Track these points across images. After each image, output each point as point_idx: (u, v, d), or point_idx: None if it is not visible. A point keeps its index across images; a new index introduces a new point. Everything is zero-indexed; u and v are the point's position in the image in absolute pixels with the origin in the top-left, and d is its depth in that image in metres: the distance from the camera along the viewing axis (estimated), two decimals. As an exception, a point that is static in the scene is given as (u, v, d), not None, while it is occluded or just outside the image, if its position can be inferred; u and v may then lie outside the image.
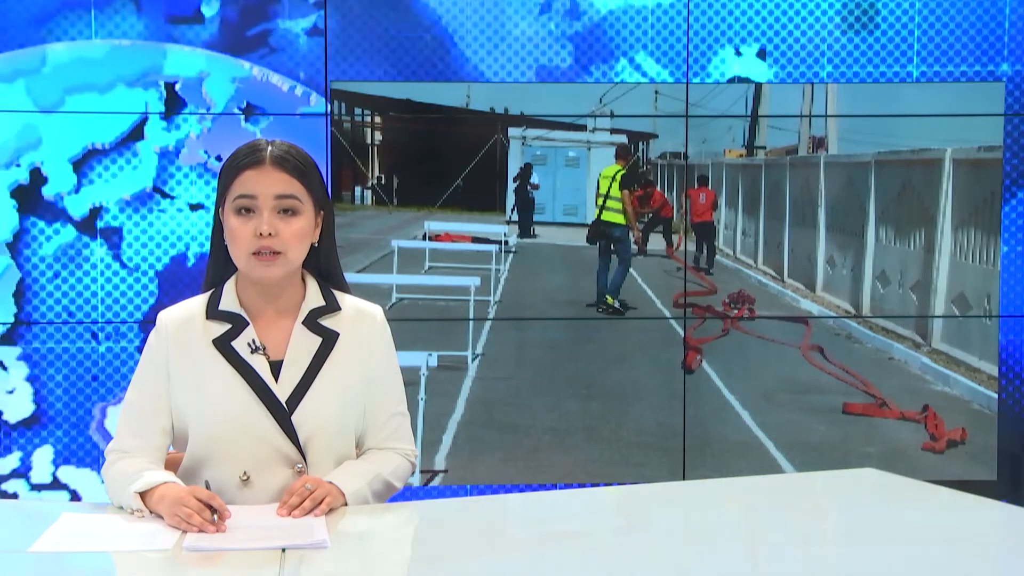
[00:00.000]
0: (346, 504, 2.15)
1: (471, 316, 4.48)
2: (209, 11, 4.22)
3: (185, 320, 2.23)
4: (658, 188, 4.56)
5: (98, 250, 4.24)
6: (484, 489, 4.40)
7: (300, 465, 2.18)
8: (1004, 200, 4.46)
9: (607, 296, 4.54)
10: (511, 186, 4.55)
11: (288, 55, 4.27)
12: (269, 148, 2.19)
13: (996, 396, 4.49)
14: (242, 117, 4.24)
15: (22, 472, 4.26)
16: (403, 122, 4.48)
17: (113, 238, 4.24)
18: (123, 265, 4.25)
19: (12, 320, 4.23)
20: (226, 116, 4.24)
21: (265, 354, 2.20)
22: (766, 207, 4.59)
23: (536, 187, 4.58)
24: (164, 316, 2.25)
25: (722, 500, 2.37)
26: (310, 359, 2.21)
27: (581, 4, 4.33)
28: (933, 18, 4.41)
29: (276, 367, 2.20)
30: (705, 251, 4.57)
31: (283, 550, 1.89)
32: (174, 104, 4.22)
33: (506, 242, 4.56)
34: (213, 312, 2.22)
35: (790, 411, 4.51)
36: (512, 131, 4.48)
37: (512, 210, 4.57)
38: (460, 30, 4.31)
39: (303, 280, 2.27)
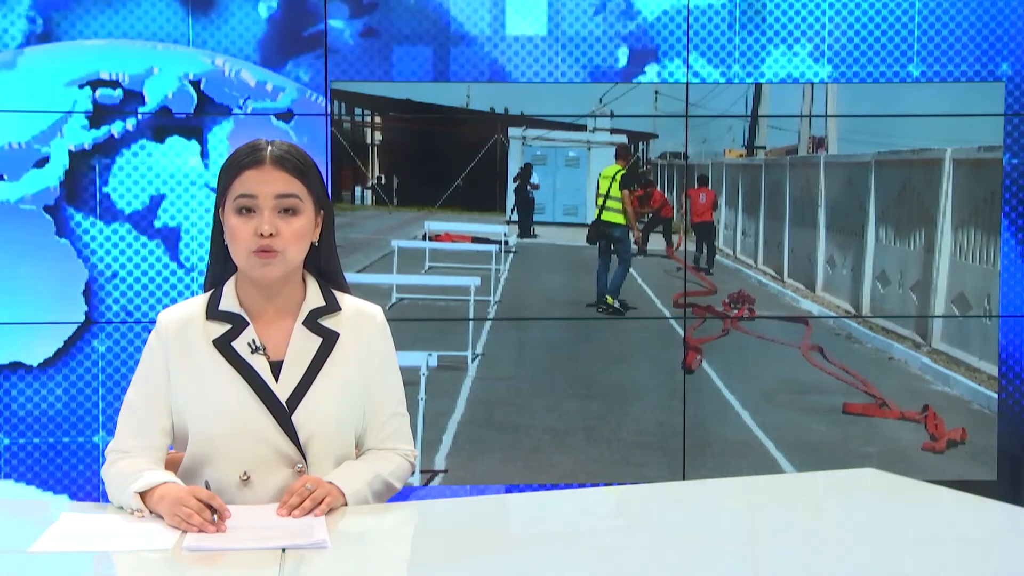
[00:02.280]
0: (346, 504, 2.15)
1: (471, 316, 4.48)
2: (265, 11, 4.23)
3: (185, 320, 2.23)
4: (658, 188, 4.56)
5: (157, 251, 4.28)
6: (484, 489, 4.40)
7: (300, 465, 2.18)
8: (1004, 200, 4.46)
9: (607, 296, 4.53)
10: (511, 186, 4.55)
11: (341, 56, 4.27)
12: (269, 148, 2.19)
13: (996, 396, 4.49)
14: (272, 116, 4.25)
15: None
16: (403, 122, 4.48)
17: (171, 238, 4.26)
18: (180, 265, 4.26)
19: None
20: (258, 116, 4.24)
21: (265, 354, 2.20)
22: (766, 207, 4.59)
23: (536, 187, 4.58)
24: (164, 316, 2.25)
25: (722, 500, 2.37)
26: (310, 359, 2.21)
27: (635, 4, 4.33)
28: (933, 18, 4.41)
29: (276, 367, 2.20)
30: (705, 251, 4.57)
31: (283, 550, 1.89)
32: (102, 103, 4.20)
33: (506, 242, 4.56)
34: (213, 312, 2.22)
35: (790, 411, 4.51)
36: (512, 131, 4.48)
37: (512, 210, 4.56)
38: (515, 30, 4.33)
39: (303, 280, 2.27)
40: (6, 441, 4.26)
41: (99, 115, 4.19)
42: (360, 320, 2.28)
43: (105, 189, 4.24)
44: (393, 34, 4.29)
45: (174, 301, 4.22)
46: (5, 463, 4.28)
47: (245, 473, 2.17)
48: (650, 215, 4.58)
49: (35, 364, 4.25)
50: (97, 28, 4.20)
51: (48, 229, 4.22)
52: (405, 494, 2.34)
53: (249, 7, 4.25)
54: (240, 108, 4.22)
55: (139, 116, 4.20)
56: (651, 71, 4.37)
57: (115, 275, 4.25)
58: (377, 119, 4.49)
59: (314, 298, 2.26)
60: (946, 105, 4.42)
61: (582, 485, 4.29)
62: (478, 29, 4.33)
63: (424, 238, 4.53)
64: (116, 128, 4.19)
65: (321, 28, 4.25)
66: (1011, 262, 4.47)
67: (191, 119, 4.23)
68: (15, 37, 4.18)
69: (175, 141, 4.23)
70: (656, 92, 4.41)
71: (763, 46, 4.39)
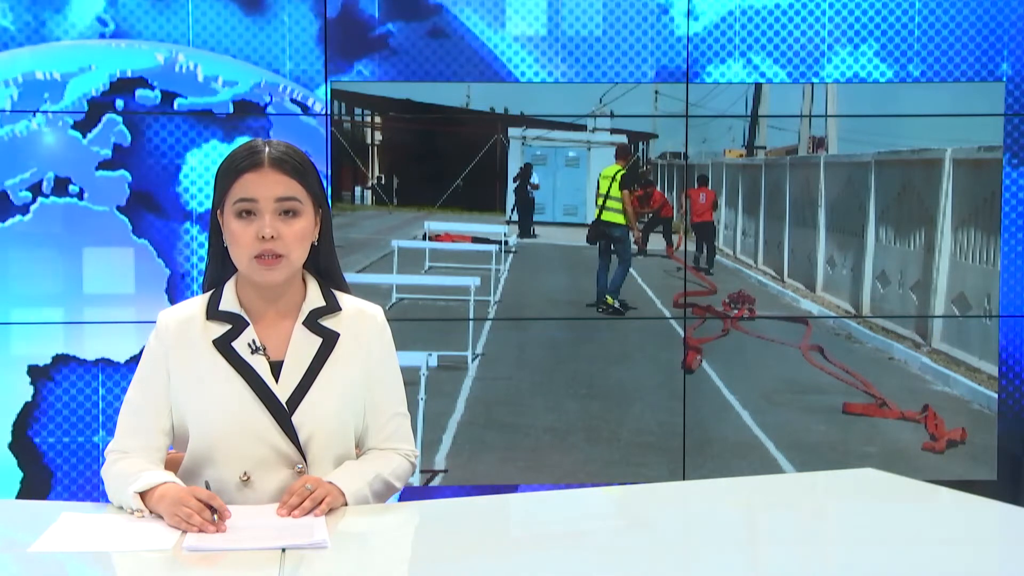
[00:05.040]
0: (346, 504, 2.15)
1: (471, 316, 4.48)
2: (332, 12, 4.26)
3: (185, 320, 2.23)
4: (658, 188, 4.56)
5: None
6: (484, 489, 4.40)
7: (300, 465, 2.18)
8: (1004, 200, 4.46)
9: (607, 296, 4.53)
10: (511, 186, 4.55)
11: (404, 56, 4.30)
12: (267, 149, 2.18)
13: (996, 396, 4.49)
14: (300, 114, 4.26)
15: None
16: (403, 122, 4.48)
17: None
18: None
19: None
20: (288, 116, 4.25)
21: (265, 354, 2.20)
22: (766, 207, 4.59)
23: (536, 187, 4.58)
24: (164, 316, 2.25)
25: (722, 500, 2.37)
26: (310, 359, 2.21)
27: (698, 5, 4.35)
28: (933, 18, 4.41)
29: (276, 367, 2.20)
30: (705, 251, 4.57)
31: (283, 550, 1.89)
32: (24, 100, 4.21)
33: (506, 242, 4.56)
34: (213, 312, 2.22)
35: (790, 411, 4.51)
36: (512, 131, 4.48)
37: (512, 210, 4.56)
38: (569, 31, 4.34)
39: (303, 280, 2.27)
40: (95, 439, 4.32)
41: (15, 112, 4.21)
42: (360, 320, 2.28)
43: (177, 189, 4.28)
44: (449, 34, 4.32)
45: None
46: (92, 460, 4.34)
47: (245, 473, 2.17)
48: (650, 215, 4.58)
49: (122, 361, 4.31)
50: (160, 29, 4.24)
51: (124, 229, 4.27)
52: (405, 494, 2.33)
53: (303, 8, 4.27)
54: (172, 107, 4.24)
55: (49, 115, 4.20)
56: (715, 72, 4.37)
57: (201, 273, 4.30)
58: (377, 119, 4.49)
59: (314, 298, 2.26)
60: (946, 105, 4.42)
61: (582, 485, 4.29)
62: (588, 30, 4.34)
63: (424, 238, 4.53)
64: (20, 128, 4.19)
65: (385, 30, 4.26)
66: (1011, 262, 4.47)
67: (231, 118, 4.25)
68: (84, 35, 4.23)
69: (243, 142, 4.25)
70: (656, 92, 4.41)
71: (829, 46, 4.39)
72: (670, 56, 4.37)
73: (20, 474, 4.29)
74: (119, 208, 4.27)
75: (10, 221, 4.23)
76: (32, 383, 4.29)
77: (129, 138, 4.24)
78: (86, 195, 4.25)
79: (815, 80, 4.39)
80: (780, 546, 2.04)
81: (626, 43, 4.37)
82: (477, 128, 4.46)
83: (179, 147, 4.26)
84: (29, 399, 4.29)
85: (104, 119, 4.21)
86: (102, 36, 4.22)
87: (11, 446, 4.29)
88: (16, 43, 4.19)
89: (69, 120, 4.20)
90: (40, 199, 4.23)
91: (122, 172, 4.25)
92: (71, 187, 4.23)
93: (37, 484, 4.30)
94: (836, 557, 1.99)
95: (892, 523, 2.14)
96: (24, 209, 4.23)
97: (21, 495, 4.25)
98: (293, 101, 4.27)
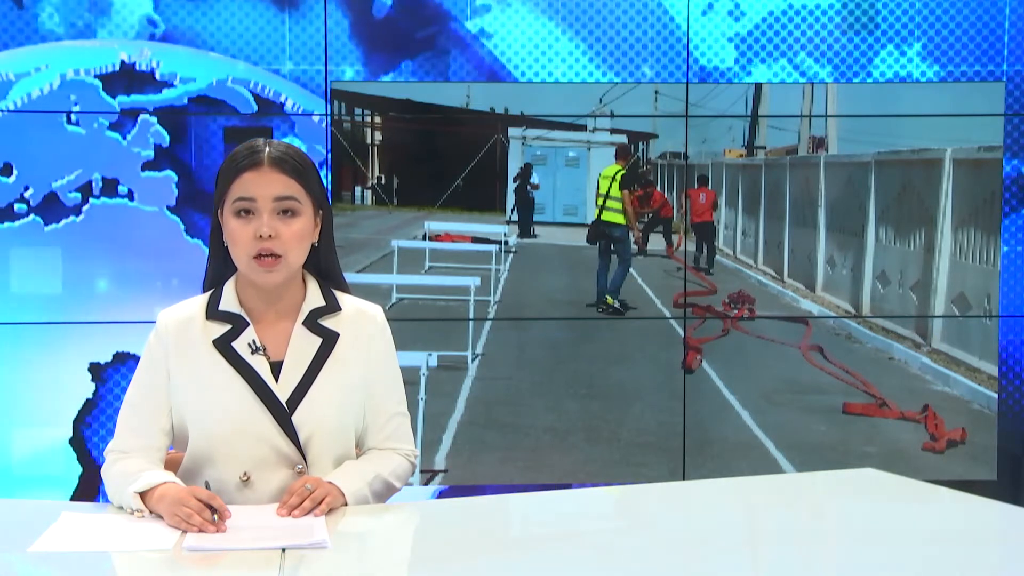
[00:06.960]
0: (346, 504, 2.15)
1: (471, 316, 4.48)
2: (379, 13, 4.27)
3: (185, 320, 2.23)
4: (658, 188, 4.56)
5: None
6: (484, 489, 4.40)
7: (300, 466, 2.18)
8: (1004, 200, 4.46)
9: (607, 296, 4.53)
10: (511, 186, 4.55)
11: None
12: (267, 149, 2.18)
13: (996, 396, 4.49)
14: (313, 115, 4.26)
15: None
16: (403, 122, 4.48)
17: None
18: None
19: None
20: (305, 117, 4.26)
21: (265, 354, 2.20)
22: (766, 207, 4.59)
23: (536, 187, 4.58)
24: (164, 316, 2.25)
25: (722, 500, 2.37)
26: (310, 360, 2.21)
27: (742, 5, 4.35)
28: (933, 18, 4.41)
29: (276, 368, 2.20)
30: (705, 251, 4.57)
31: (283, 550, 1.89)
32: None
33: (506, 242, 4.56)
34: (213, 312, 2.22)
35: (790, 411, 4.51)
36: (512, 131, 4.48)
37: (512, 210, 4.56)
38: (608, 31, 4.34)
39: (303, 280, 2.27)
40: None
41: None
42: (360, 320, 2.28)
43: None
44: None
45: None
46: None
47: (245, 473, 2.17)
48: (650, 215, 4.58)
49: None
50: (203, 30, 4.25)
51: (176, 230, 4.29)
52: (405, 494, 2.34)
53: (342, 8, 4.28)
54: (116, 108, 4.24)
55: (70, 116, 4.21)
56: (757, 72, 4.37)
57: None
58: (377, 119, 4.49)
59: (314, 298, 2.26)
60: (946, 105, 4.42)
61: (582, 485, 4.29)
62: (629, 30, 4.35)
63: (424, 238, 4.53)
64: None
65: (434, 30, 4.26)
66: (1011, 262, 4.47)
67: (255, 119, 4.26)
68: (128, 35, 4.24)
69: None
70: (656, 92, 4.41)
71: (870, 46, 4.39)
72: (709, 56, 4.38)
73: (80, 470, 4.34)
74: (169, 208, 4.28)
75: (64, 222, 4.25)
76: (92, 380, 4.32)
77: (167, 139, 4.24)
78: (136, 196, 4.26)
79: (855, 80, 4.38)
80: (780, 546, 2.04)
81: (625, 43, 4.38)
82: (477, 128, 4.46)
83: (221, 146, 4.27)
84: (90, 396, 4.33)
85: (139, 120, 4.22)
86: (152, 37, 4.22)
87: (71, 442, 4.33)
88: None
89: (104, 121, 4.20)
90: (91, 200, 4.24)
91: (168, 172, 4.26)
92: (120, 188, 4.25)
93: (90, 481, 4.34)
94: (836, 557, 1.99)
95: (892, 523, 2.14)
96: (76, 210, 4.24)
97: (77, 492, 4.31)
98: (254, 96, 4.27)
